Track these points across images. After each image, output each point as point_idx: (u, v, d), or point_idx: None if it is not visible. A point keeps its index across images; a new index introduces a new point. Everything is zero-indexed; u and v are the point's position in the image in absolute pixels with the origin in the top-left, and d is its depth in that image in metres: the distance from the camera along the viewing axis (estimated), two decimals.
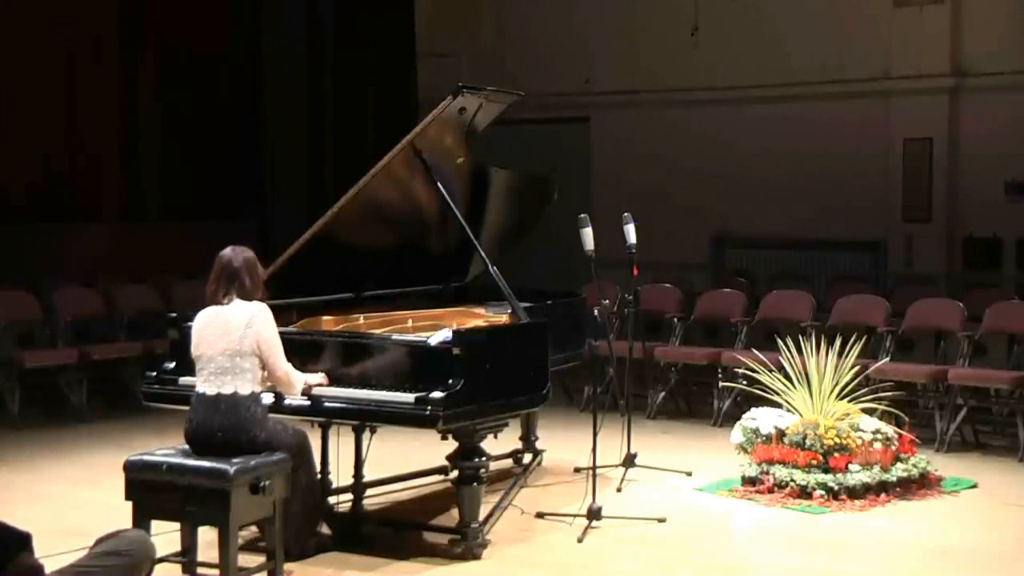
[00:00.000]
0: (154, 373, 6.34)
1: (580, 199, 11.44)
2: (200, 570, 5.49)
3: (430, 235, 7.14)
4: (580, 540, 6.27)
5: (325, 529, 6.22)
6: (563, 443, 8.13)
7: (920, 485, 7.28)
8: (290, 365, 5.62)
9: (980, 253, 11.55)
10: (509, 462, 7.78)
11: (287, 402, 5.81)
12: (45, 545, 3.92)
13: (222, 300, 5.55)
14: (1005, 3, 11.55)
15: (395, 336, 6.18)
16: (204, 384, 5.48)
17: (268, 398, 5.67)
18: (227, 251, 5.64)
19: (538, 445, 7.93)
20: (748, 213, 12.60)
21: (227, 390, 5.42)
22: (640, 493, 7.31)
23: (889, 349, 9.13)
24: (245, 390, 5.43)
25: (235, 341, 5.43)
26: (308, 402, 5.83)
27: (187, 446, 5.48)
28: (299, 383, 5.68)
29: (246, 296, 5.53)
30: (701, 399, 10.08)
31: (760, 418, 7.43)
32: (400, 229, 6.99)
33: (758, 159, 12.50)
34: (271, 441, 5.47)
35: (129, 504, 5.38)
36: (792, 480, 7.04)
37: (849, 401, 7.38)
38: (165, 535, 5.35)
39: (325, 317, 6.67)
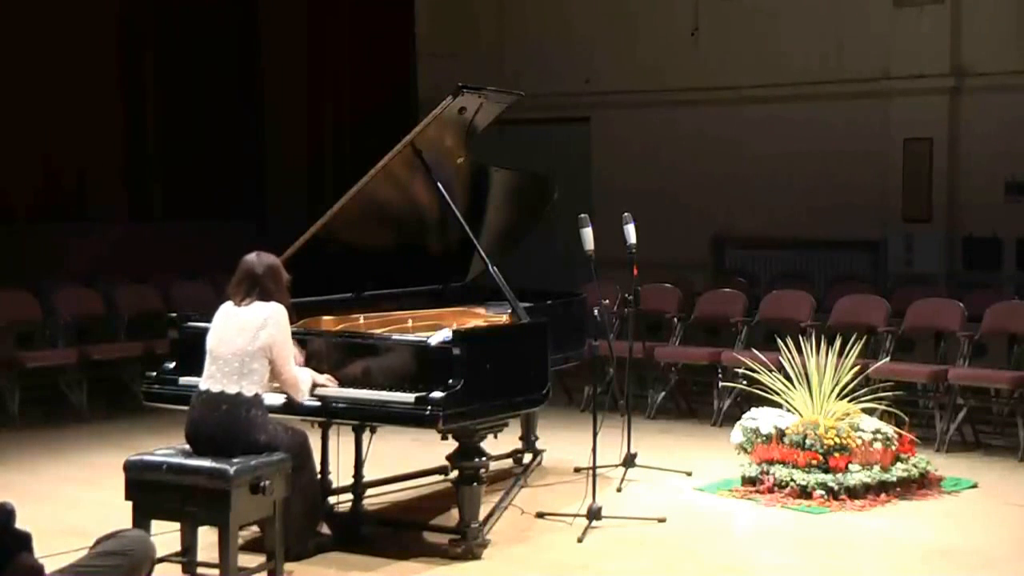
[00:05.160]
0: (154, 373, 6.34)
1: (580, 199, 11.44)
2: (200, 570, 5.49)
3: (430, 235, 7.14)
4: (580, 540, 6.27)
5: (325, 529, 6.21)
6: (563, 443, 8.13)
7: (920, 485, 7.28)
8: (299, 369, 5.62)
9: (980, 253, 11.55)
10: (509, 462, 7.78)
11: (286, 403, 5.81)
12: (45, 545, 3.93)
13: (241, 304, 5.55)
14: (1005, 3, 11.55)
15: (395, 336, 6.18)
16: (209, 380, 5.47)
17: (271, 399, 5.66)
18: (251, 256, 5.63)
19: (538, 445, 7.92)
20: (748, 213, 12.60)
21: (232, 389, 5.42)
22: (640, 493, 7.31)
23: (889, 349, 9.12)
24: (250, 392, 5.43)
25: (247, 342, 5.44)
26: (308, 402, 5.82)
27: (187, 446, 5.48)
28: (306, 385, 5.68)
29: (267, 300, 5.54)
30: (701, 399, 10.07)
31: (760, 418, 7.43)
32: (400, 229, 6.99)
33: (758, 159, 12.49)
34: (271, 444, 5.46)
35: (129, 504, 5.38)
36: (792, 480, 7.04)
37: (849, 401, 7.38)
38: (165, 535, 5.35)
39: (325, 317, 6.67)
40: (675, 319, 10.21)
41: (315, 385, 5.79)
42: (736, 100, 12.69)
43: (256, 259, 5.62)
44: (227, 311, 5.58)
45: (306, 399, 5.74)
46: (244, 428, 5.39)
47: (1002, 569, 6.03)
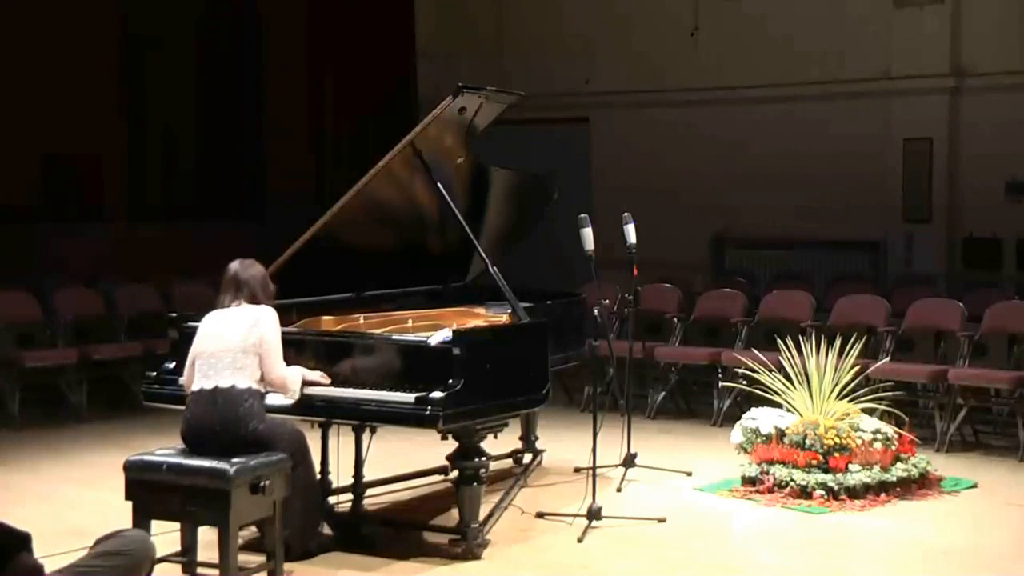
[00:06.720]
0: (154, 373, 6.35)
1: (580, 199, 11.43)
2: (200, 570, 5.50)
3: (430, 235, 7.14)
4: (580, 540, 6.27)
5: (326, 529, 6.21)
6: (563, 443, 8.13)
7: (920, 485, 7.28)
8: (287, 369, 5.62)
9: (980, 253, 11.54)
10: (509, 462, 7.78)
11: (287, 402, 5.80)
12: (45, 545, 3.92)
13: (230, 305, 5.62)
14: (1005, 3, 11.55)
15: (395, 336, 6.18)
16: (202, 380, 5.50)
17: (272, 399, 5.66)
18: (235, 264, 5.73)
19: (538, 445, 7.92)
20: (748, 213, 12.60)
21: (225, 383, 5.43)
22: (640, 493, 7.31)
23: (889, 349, 9.12)
24: (243, 384, 5.44)
25: (239, 338, 5.48)
26: (307, 402, 5.82)
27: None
28: (295, 385, 5.68)
29: (255, 303, 5.60)
30: (701, 399, 10.07)
31: (760, 418, 7.43)
32: (400, 229, 6.99)
33: (758, 159, 12.49)
34: (271, 434, 5.47)
35: (129, 504, 5.38)
36: (792, 480, 7.04)
37: (849, 401, 7.38)
38: (165, 535, 5.35)
39: (325, 317, 6.67)
40: (675, 319, 10.22)
41: (307, 383, 5.79)
42: (736, 100, 12.69)
43: (239, 266, 5.72)
44: (215, 314, 5.66)
45: (296, 397, 5.73)
46: (243, 419, 5.40)
47: (1002, 569, 6.03)
